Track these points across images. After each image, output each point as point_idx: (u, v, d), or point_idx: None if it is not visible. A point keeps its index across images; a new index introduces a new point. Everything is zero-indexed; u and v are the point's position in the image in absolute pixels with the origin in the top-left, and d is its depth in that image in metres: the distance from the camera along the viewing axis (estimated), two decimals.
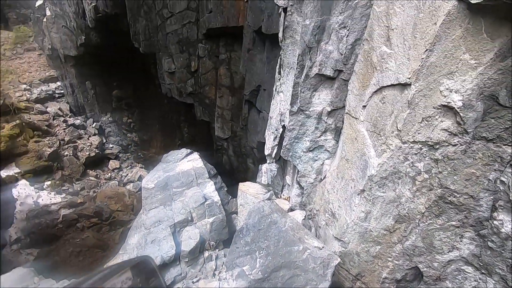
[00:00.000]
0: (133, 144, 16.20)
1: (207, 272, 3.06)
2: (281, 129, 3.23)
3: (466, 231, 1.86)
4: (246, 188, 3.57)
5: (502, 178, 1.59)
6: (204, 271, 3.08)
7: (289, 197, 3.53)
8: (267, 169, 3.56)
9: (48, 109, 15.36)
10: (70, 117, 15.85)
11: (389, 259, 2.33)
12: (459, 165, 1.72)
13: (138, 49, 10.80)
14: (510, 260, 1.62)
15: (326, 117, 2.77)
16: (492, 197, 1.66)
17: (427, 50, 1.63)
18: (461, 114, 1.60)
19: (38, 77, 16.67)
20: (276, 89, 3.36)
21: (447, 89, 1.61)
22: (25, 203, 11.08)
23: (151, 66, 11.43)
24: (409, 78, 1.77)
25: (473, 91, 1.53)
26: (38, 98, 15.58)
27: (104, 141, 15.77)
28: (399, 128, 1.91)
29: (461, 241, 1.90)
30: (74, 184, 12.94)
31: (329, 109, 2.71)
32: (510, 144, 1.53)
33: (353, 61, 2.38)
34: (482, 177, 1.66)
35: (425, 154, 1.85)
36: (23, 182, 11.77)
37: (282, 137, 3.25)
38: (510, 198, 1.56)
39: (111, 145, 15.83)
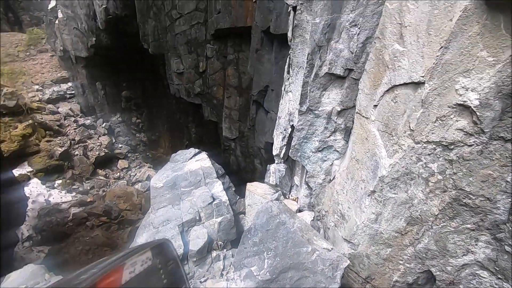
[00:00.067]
0: (142, 144, 16.38)
1: (214, 272, 3.05)
2: (290, 129, 3.21)
3: (482, 235, 1.80)
4: (254, 188, 3.56)
5: None
6: (211, 271, 3.07)
7: (297, 197, 3.49)
8: (275, 169, 3.54)
9: (59, 109, 15.68)
10: (80, 117, 16.15)
11: (401, 262, 2.28)
12: (475, 166, 1.66)
13: (147, 50, 10.91)
14: None
15: (336, 117, 2.73)
16: (509, 200, 1.61)
17: (442, 47, 1.58)
18: (478, 114, 1.54)
19: (50, 78, 17.03)
20: (284, 89, 3.33)
21: (463, 87, 1.56)
22: (37, 201, 11.31)
23: (160, 67, 11.54)
24: (423, 77, 1.72)
25: (491, 90, 1.48)
26: (50, 99, 15.91)
27: (114, 141, 15.99)
28: (412, 128, 1.87)
29: (476, 244, 1.84)
30: (84, 183, 13.16)
31: (339, 109, 2.68)
32: None
33: (364, 60, 2.34)
34: (499, 178, 1.60)
35: (439, 155, 1.80)
36: (35, 181, 12.03)
37: (290, 137, 3.22)
38: None
39: (120, 145, 16.05)
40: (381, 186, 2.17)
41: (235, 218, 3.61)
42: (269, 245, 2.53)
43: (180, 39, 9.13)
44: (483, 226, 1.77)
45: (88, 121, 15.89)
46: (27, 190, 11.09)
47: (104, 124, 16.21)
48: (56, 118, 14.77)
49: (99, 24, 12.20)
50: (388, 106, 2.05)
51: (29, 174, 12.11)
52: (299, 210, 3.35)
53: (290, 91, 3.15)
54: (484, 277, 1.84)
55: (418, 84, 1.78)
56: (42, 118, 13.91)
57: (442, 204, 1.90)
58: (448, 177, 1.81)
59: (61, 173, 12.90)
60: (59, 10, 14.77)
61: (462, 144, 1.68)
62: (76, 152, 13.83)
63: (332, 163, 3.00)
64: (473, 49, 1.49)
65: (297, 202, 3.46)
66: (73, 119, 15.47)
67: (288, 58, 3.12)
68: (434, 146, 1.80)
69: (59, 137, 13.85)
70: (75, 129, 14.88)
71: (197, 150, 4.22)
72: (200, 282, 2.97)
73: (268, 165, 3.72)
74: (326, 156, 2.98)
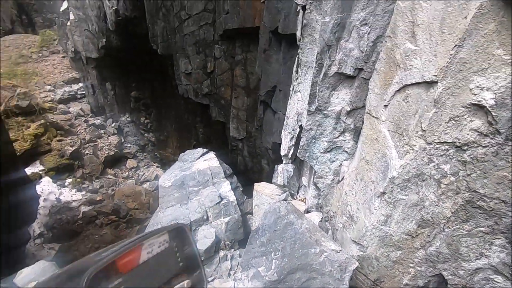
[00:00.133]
0: (150, 144, 16.55)
1: (222, 272, 3.05)
2: (298, 129, 3.19)
3: (496, 238, 1.75)
4: (261, 189, 3.55)
5: None
6: (219, 271, 3.07)
7: (305, 198, 3.47)
8: (283, 170, 3.52)
9: (70, 109, 15.97)
10: (90, 117, 16.41)
11: (411, 265, 2.24)
12: (489, 167, 1.62)
13: (156, 51, 11.03)
14: None
15: (345, 117, 2.70)
16: None
17: (456, 45, 1.55)
18: (493, 114, 1.50)
19: (62, 78, 17.36)
20: (293, 89, 3.32)
21: (477, 86, 1.52)
22: (48, 199, 11.54)
23: (168, 67, 11.64)
24: (436, 76, 1.69)
25: (507, 89, 1.44)
26: (62, 99, 16.23)
27: (123, 140, 16.21)
28: (423, 128, 1.83)
29: (490, 248, 1.79)
30: (93, 182, 13.36)
31: (348, 109, 2.65)
32: None
33: (375, 59, 2.31)
34: None
35: (452, 156, 1.76)
36: (46, 179, 12.27)
37: (299, 138, 3.20)
38: None
39: (129, 145, 16.25)
40: (391, 188, 2.13)
41: (243, 218, 3.60)
42: (277, 246, 2.52)
43: (188, 39, 9.20)
44: (497, 230, 1.72)
45: (98, 121, 16.14)
46: (38, 188, 11.32)
47: (114, 124, 16.44)
48: (67, 118, 15.05)
49: (109, 26, 12.38)
50: (399, 106, 2.02)
51: (40, 172, 12.36)
52: (307, 211, 3.32)
53: (299, 91, 3.13)
54: (498, 282, 1.79)
55: (430, 84, 1.74)
56: (53, 118, 14.20)
57: (455, 206, 1.85)
58: (461, 179, 1.77)
59: (72, 172, 13.13)
60: (71, 12, 15.06)
61: (476, 145, 1.64)
62: (86, 152, 14.06)
63: (341, 164, 2.97)
64: (489, 47, 1.45)
65: (305, 202, 3.44)
66: (83, 119, 15.74)
67: (296, 58, 3.10)
68: (447, 147, 1.76)
69: (70, 137, 14.11)
70: (85, 128, 15.14)
71: (205, 150, 4.23)
72: (208, 281, 2.97)
73: (276, 166, 3.70)
74: (334, 157, 2.95)
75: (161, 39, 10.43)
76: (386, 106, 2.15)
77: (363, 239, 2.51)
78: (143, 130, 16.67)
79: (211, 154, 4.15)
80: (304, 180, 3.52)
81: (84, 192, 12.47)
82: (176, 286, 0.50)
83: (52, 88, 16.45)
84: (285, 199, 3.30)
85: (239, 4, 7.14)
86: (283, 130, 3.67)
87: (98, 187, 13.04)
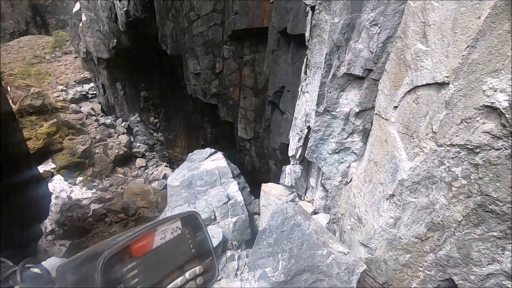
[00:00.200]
0: (159, 144, 16.73)
1: (229, 272, 3.07)
2: (306, 130, 3.18)
3: (509, 243, 1.71)
4: (269, 189, 3.55)
5: None
6: (226, 271, 3.09)
7: (313, 199, 3.45)
8: (291, 171, 3.51)
9: (81, 109, 16.29)
10: (101, 116, 16.70)
11: (420, 268, 2.20)
12: (502, 171, 1.58)
13: (166, 52, 11.14)
14: None
15: (354, 118, 2.68)
16: None
17: (468, 46, 1.52)
18: (507, 116, 1.47)
19: (74, 78, 17.72)
20: (301, 90, 3.30)
21: (491, 88, 1.49)
22: (60, 197, 11.79)
23: (177, 68, 11.75)
24: (447, 77, 1.66)
25: None
26: (73, 98, 16.57)
27: (132, 140, 16.43)
28: (434, 130, 1.80)
29: (503, 253, 1.75)
30: (103, 180, 13.58)
31: (357, 110, 2.62)
32: None
33: (384, 60, 2.28)
34: None
35: (464, 159, 1.72)
36: (58, 177, 12.54)
37: (306, 138, 3.19)
38: None
39: (138, 144, 16.46)
40: (401, 190, 2.11)
41: (250, 218, 3.61)
42: (284, 247, 2.52)
43: (197, 40, 9.26)
44: (510, 234, 1.68)
45: (109, 120, 16.41)
46: (50, 186, 11.58)
47: (124, 123, 16.69)
48: (79, 117, 15.35)
49: (120, 26, 12.58)
50: (409, 107, 1.99)
51: (52, 170, 12.64)
52: (315, 212, 3.31)
53: (307, 92, 3.12)
54: None
55: (442, 85, 1.71)
56: (65, 117, 14.50)
57: (466, 210, 1.82)
58: (473, 182, 1.73)
59: (82, 170, 13.39)
60: (83, 13, 15.35)
61: (489, 148, 1.61)
62: (97, 150, 14.31)
63: (349, 165, 2.95)
64: (503, 48, 1.41)
65: (312, 204, 3.42)
66: (94, 118, 16.02)
67: (305, 59, 3.09)
68: (458, 149, 1.73)
69: (81, 136, 14.38)
70: (96, 128, 15.41)
71: (213, 150, 4.26)
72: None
73: (283, 166, 3.70)
74: (343, 158, 2.93)
75: (170, 40, 10.53)
76: (396, 107, 2.12)
77: (371, 241, 2.48)
78: (152, 129, 16.87)
79: (219, 154, 4.18)
80: (312, 181, 3.50)
81: (94, 190, 12.70)
82: (188, 271, 0.52)
83: (64, 88, 16.82)
84: (292, 200, 3.30)
85: (248, 5, 7.16)
86: (291, 130, 3.66)
87: (108, 185, 13.25)
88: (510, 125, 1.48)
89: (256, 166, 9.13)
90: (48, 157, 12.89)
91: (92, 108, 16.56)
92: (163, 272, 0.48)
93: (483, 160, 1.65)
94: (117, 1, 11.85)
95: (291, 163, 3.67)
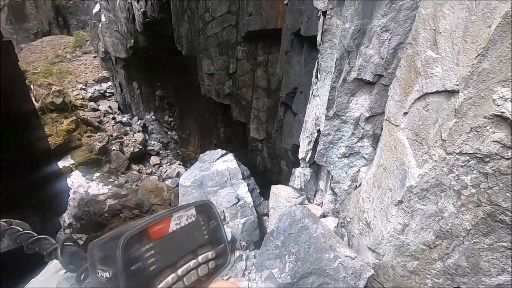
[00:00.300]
0: (173, 142, 17.03)
1: (237, 271, 3.12)
2: (316, 134, 3.19)
3: None
4: (278, 191, 3.58)
5: None
6: (234, 270, 3.15)
7: (322, 202, 3.46)
8: (300, 173, 3.53)
9: (99, 107, 16.79)
10: (118, 114, 17.17)
11: (428, 276, 2.19)
12: None
13: (181, 52, 11.33)
14: None
15: (364, 123, 2.67)
16: None
17: (479, 55, 1.51)
18: None
19: (93, 77, 18.29)
20: (312, 93, 3.32)
21: (501, 97, 1.48)
22: (78, 192, 12.23)
23: (192, 68, 11.93)
24: (457, 85, 1.65)
25: None
26: (92, 97, 17.11)
27: (147, 138, 16.80)
28: (443, 138, 1.79)
29: None
30: (119, 177, 13.97)
31: (367, 115, 2.62)
32: None
33: (395, 66, 2.27)
34: None
35: (473, 167, 1.70)
36: (76, 173, 13.00)
37: (316, 142, 3.20)
38: None
39: (153, 142, 16.82)
40: (409, 197, 2.10)
41: (259, 219, 3.65)
42: (291, 249, 2.55)
43: (211, 41, 9.38)
44: None
45: (125, 118, 16.86)
46: (69, 181, 12.03)
47: (139, 121, 17.10)
48: (97, 115, 15.85)
49: (138, 27, 12.89)
50: (419, 114, 1.98)
51: (71, 166, 13.12)
52: (323, 216, 3.32)
53: (318, 96, 3.13)
54: None
55: (451, 93, 1.70)
56: (84, 115, 15.01)
57: (475, 219, 1.79)
58: (483, 191, 1.71)
59: (99, 167, 13.83)
60: (102, 14, 15.82)
61: (499, 157, 1.59)
62: (113, 148, 14.74)
63: (359, 170, 2.94)
64: None
65: (321, 207, 3.43)
66: (111, 116, 16.50)
67: (316, 63, 3.10)
68: (467, 157, 1.71)
69: (99, 133, 14.85)
70: (113, 125, 15.87)
71: (224, 151, 4.33)
72: (223, 280, 3.05)
73: (293, 169, 3.72)
74: (352, 162, 2.93)
75: (185, 41, 10.71)
76: (405, 113, 2.11)
77: (379, 247, 2.48)
78: (167, 128, 17.19)
79: (230, 156, 4.24)
80: (322, 184, 3.51)
81: (110, 186, 13.09)
82: (200, 255, 0.56)
83: (84, 87, 17.40)
84: (301, 203, 3.32)
85: (262, 6, 7.20)
86: (301, 133, 3.68)
87: (123, 182, 13.63)
88: None
89: (268, 167, 9.16)
90: (67, 153, 13.39)
91: (109, 106, 17.05)
92: (177, 254, 0.52)
93: (493, 170, 1.63)
94: (135, 2, 12.15)
95: (301, 165, 3.69)
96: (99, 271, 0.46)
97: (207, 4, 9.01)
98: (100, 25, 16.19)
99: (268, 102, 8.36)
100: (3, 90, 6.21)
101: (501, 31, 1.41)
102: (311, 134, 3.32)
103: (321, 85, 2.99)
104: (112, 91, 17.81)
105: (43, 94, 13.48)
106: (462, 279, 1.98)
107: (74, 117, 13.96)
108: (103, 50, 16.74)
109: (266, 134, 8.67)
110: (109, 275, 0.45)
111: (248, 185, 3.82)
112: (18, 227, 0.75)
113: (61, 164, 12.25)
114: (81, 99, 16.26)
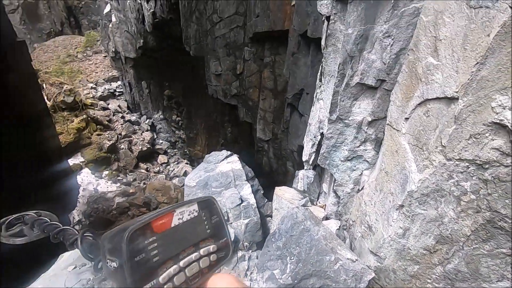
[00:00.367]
0: (180, 141, 17.20)
1: (239, 271, 3.17)
2: (320, 137, 3.21)
3: None
4: (281, 193, 3.61)
5: None
6: (237, 270, 3.20)
7: (325, 205, 3.49)
8: (304, 176, 3.56)
9: (109, 106, 17.07)
10: (127, 113, 17.43)
11: (429, 280, 2.20)
12: None
13: (189, 53, 11.45)
14: None
15: (367, 127, 2.69)
16: None
17: (478, 63, 1.52)
18: None
19: (103, 77, 18.61)
20: (316, 96, 3.34)
21: (499, 105, 1.49)
22: (87, 189, 12.48)
23: (200, 68, 12.04)
24: (457, 92, 1.66)
25: None
26: (102, 96, 17.41)
27: (155, 137, 17.02)
28: (443, 144, 1.80)
29: None
30: (127, 175, 14.20)
31: (370, 119, 2.63)
32: None
33: (397, 71, 2.28)
34: None
35: (473, 174, 1.72)
36: (86, 171, 13.27)
37: (320, 145, 3.22)
38: None
39: (161, 141, 17.03)
40: (410, 201, 2.11)
41: (262, 220, 3.70)
42: (292, 251, 2.59)
43: (219, 42, 9.46)
44: None
45: (134, 117, 17.11)
46: (79, 178, 12.28)
47: (148, 120, 17.34)
48: (106, 114, 16.14)
49: (147, 27, 13.08)
50: (420, 119, 2.00)
51: (81, 164, 13.40)
52: (326, 218, 3.34)
53: (321, 99, 3.16)
54: None
55: (451, 100, 1.72)
56: (94, 114, 15.30)
57: (475, 225, 1.80)
58: (482, 198, 1.72)
59: (108, 165, 14.09)
60: (113, 15, 16.09)
61: (498, 164, 1.60)
62: (122, 146, 14.99)
63: (362, 173, 2.96)
64: None
65: (324, 209, 3.46)
66: (120, 115, 16.78)
67: (320, 66, 3.13)
68: (467, 164, 1.72)
69: (108, 132, 15.12)
70: (122, 124, 16.14)
71: (229, 153, 4.38)
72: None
73: (296, 171, 3.75)
74: (355, 166, 2.95)
75: (193, 41, 10.82)
76: (407, 119, 2.13)
77: (380, 250, 2.50)
78: (175, 127, 17.39)
79: (235, 157, 4.29)
80: (325, 186, 3.54)
81: (118, 184, 13.33)
82: (202, 249, 0.58)
83: (94, 86, 17.73)
84: (304, 205, 3.35)
85: (270, 8, 7.23)
86: (305, 136, 3.71)
87: (131, 180, 13.86)
88: None
89: (274, 167, 9.20)
90: (77, 151, 13.68)
91: (118, 105, 17.34)
92: (180, 247, 0.55)
93: (492, 176, 1.64)
94: (145, 3, 12.33)
95: (305, 168, 3.72)
96: (108, 261, 0.51)
97: (215, 6, 9.09)
98: (110, 25, 16.48)
99: (274, 103, 8.39)
100: (17, 89, 6.41)
101: (499, 40, 1.42)
102: (314, 137, 3.35)
103: (325, 88, 3.02)
104: (121, 90, 18.10)
105: (54, 93, 13.80)
106: (462, 285, 1.99)
107: (84, 116, 14.25)
108: (113, 49, 17.03)
109: (272, 135, 8.70)
110: (116, 265, 0.49)
111: (252, 186, 3.87)
112: (46, 218, 0.81)
113: (71, 161, 12.53)
114: (91, 98, 16.58)
